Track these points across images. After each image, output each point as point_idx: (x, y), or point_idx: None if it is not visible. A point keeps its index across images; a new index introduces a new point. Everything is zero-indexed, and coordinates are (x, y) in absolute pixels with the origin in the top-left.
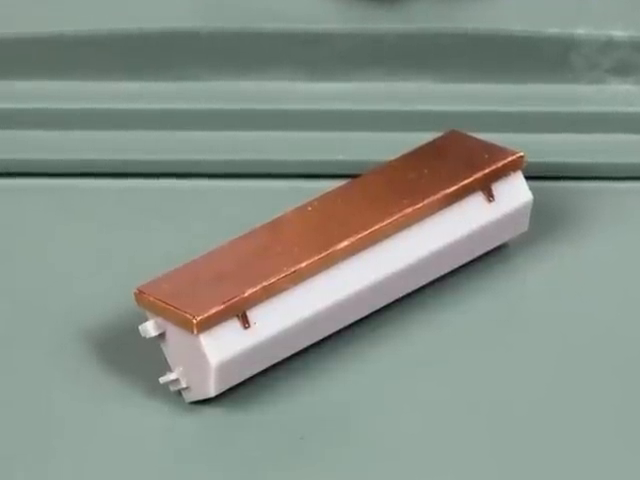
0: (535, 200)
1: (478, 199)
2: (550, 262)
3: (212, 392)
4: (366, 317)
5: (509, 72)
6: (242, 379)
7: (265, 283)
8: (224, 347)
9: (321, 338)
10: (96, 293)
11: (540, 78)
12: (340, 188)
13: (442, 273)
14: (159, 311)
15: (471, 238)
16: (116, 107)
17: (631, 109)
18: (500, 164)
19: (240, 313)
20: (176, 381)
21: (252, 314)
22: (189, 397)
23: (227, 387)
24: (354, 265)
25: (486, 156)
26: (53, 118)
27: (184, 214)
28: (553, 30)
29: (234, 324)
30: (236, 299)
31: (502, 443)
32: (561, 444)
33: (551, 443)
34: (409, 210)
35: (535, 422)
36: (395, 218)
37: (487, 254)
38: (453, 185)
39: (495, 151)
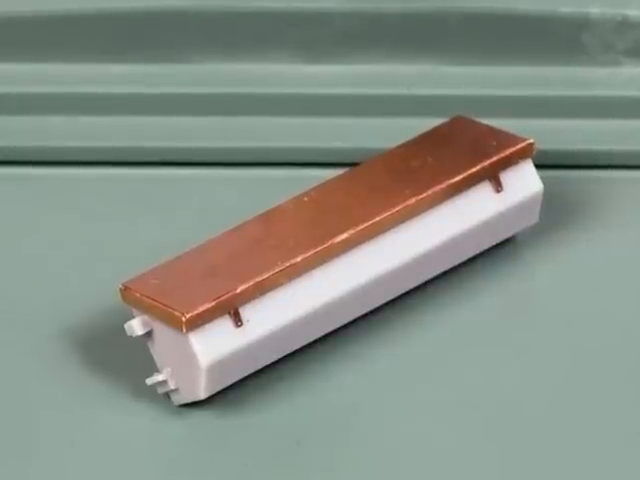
0: (546, 190)
1: (485, 189)
2: (562, 256)
3: (202, 394)
4: (365, 315)
5: (518, 54)
6: (234, 381)
7: (258, 278)
8: (215, 347)
9: (318, 337)
10: (78, 289)
11: (551, 60)
12: (338, 177)
13: (446, 268)
14: (146, 308)
15: (478, 231)
16: (100, 91)
17: None
18: (509, 152)
19: (232, 310)
20: (164, 383)
21: (245, 311)
22: (178, 400)
23: (218, 389)
24: (353, 259)
25: (494, 143)
26: (31, 103)
27: (173, 205)
28: (565, 9)
29: (225, 322)
30: (228, 295)
31: (508, 447)
32: (570, 448)
33: (559, 447)
34: (412, 201)
35: (543, 426)
36: (397, 209)
37: (494, 248)
38: (459, 174)
39: (503, 138)
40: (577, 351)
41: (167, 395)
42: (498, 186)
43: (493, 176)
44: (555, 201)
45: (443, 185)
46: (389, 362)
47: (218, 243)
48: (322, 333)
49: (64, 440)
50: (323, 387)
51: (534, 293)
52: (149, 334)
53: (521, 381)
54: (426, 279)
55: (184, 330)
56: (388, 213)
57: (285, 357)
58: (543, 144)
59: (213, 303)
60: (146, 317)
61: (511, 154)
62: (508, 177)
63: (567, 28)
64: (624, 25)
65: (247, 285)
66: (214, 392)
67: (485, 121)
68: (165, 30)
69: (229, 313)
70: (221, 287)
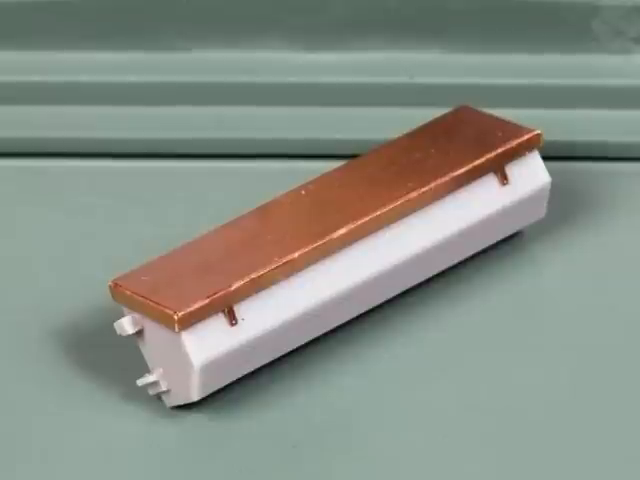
0: (553, 183)
1: (491, 182)
2: (570, 251)
3: (195, 396)
4: (365, 313)
5: (525, 41)
6: (228, 381)
7: (254, 275)
8: (208, 346)
9: (316, 337)
10: (66, 287)
11: (559, 48)
12: (338, 170)
13: (450, 264)
14: (137, 306)
15: (483, 225)
16: (88, 80)
17: None
18: (515, 143)
19: (226, 308)
20: (155, 384)
21: (240, 309)
22: (170, 401)
23: (212, 390)
24: (353, 255)
25: (500, 134)
26: (15, 91)
27: (165, 199)
28: None
29: (220, 320)
30: (222, 293)
31: (511, 448)
32: (577, 449)
33: (565, 449)
34: (414, 194)
35: (547, 426)
36: (398, 203)
37: (500, 243)
38: (463, 166)
39: (509, 129)
40: (586, 348)
41: (159, 397)
42: (504, 179)
43: (499, 168)
44: (563, 194)
45: (447, 178)
46: (389, 362)
47: (212, 238)
48: (321, 332)
49: (52, 444)
50: (321, 388)
51: (541, 289)
52: (140, 333)
53: (526, 380)
54: (428, 276)
55: (176, 329)
56: (389, 207)
57: (282, 357)
58: (550, 135)
59: (207, 301)
60: (137, 315)
61: (517, 145)
62: (514, 169)
63: (576, 14)
64: (635, 11)
65: (242, 282)
66: (208, 393)
67: (490, 111)
68: (161, 17)
69: (223, 311)
70: (215, 284)
